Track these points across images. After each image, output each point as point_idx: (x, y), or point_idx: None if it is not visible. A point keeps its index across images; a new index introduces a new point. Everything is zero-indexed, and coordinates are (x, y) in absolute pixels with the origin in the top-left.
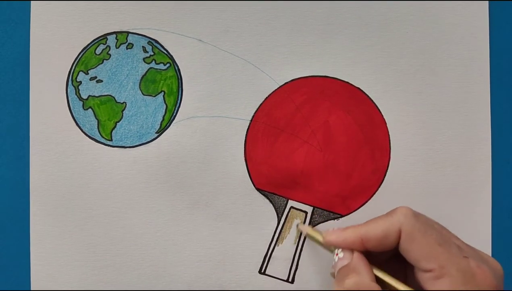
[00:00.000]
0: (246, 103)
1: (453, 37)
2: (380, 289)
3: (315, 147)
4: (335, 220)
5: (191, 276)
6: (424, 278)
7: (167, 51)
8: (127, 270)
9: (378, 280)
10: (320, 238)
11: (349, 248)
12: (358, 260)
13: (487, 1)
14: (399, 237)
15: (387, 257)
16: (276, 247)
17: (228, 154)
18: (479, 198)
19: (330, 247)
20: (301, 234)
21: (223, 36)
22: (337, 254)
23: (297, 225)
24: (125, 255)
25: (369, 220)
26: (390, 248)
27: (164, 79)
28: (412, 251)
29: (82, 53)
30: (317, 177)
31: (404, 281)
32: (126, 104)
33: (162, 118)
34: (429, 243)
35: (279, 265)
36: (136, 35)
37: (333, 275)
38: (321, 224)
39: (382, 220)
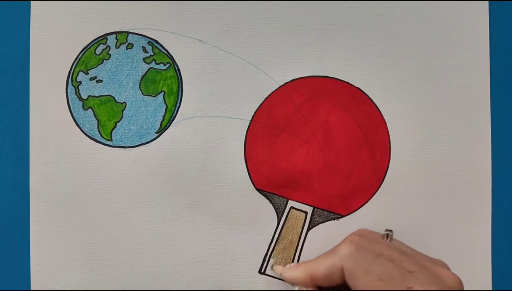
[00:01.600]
0: (246, 103)
1: (453, 37)
2: None
3: (315, 147)
4: (335, 220)
5: (191, 276)
6: None
7: (167, 51)
8: (127, 270)
9: None
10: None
11: (303, 285)
12: None
13: (487, 1)
14: (343, 274)
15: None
16: (276, 248)
17: (228, 154)
18: (479, 198)
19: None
20: (300, 234)
21: (223, 36)
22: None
23: (272, 267)
24: (125, 255)
25: (320, 255)
26: (339, 284)
27: (164, 79)
28: (356, 287)
29: (82, 53)
30: (317, 177)
31: None
32: (126, 104)
33: (162, 118)
34: (370, 279)
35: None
36: (136, 35)
37: None
38: (321, 224)
39: (327, 257)
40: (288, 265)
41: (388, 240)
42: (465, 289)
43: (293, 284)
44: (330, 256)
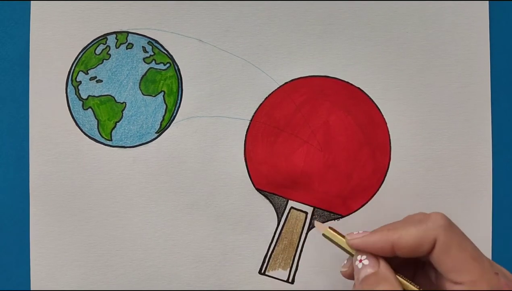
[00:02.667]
0: (246, 103)
1: (453, 37)
2: None
3: (315, 147)
4: (336, 220)
5: (191, 276)
6: (451, 288)
7: (167, 51)
8: (127, 270)
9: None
10: (340, 241)
11: (377, 254)
12: (386, 268)
13: (487, 1)
14: (433, 246)
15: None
16: (276, 248)
17: (228, 154)
18: (479, 198)
19: (351, 250)
20: (300, 234)
21: (223, 36)
22: (360, 260)
23: (314, 221)
24: (125, 255)
25: (396, 223)
26: (420, 256)
27: (164, 79)
28: (445, 262)
29: (82, 53)
30: (317, 177)
31: (417, 282)
32: (126, 104)
33: (162, 118)
34: (465, 256)
35: (279, 265)
36: (136, 35)
37: (345, 275)
38: None
39: (415, 227)
40: (354, 233)
41: None
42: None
43: (364, 252)
44: (419, 226)
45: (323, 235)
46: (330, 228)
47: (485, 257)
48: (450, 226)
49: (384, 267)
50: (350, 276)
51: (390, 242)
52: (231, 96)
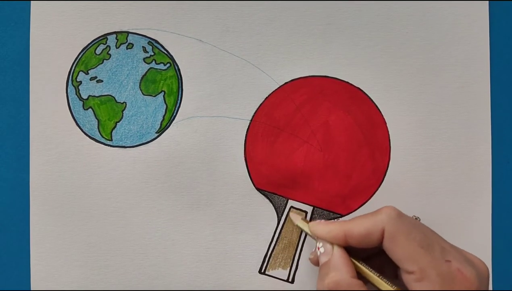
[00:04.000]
0: (246, 103)
1: (453, 37)
2: (361, 283)
3: (315, 147)
4: (335, 220)
5: (191, 276)
6: (406, 278)
7: (167, 51)
8: (127, 270)
9: (362, 276)
10: (306, 228)
11: (332, 242)
12: (338, 257)
13: (487, 1)
14: (382, 237)
15: (378, 251)
16: (276, 247)
17: (228, 154)
18: (479, 198)
19: (314, 237)
20: (300, 234)
21: (223, 36)
22: (318, 248)
23: (290, 213)
24: (125, 255)
25: (356, 216)
26: (373, 246)
27: (164, 79)
28: (394, 251)
29: (82, 53)
30: (317, 176)
31: (395, 275)
32: (126, 104)
33: (162, 118)
34: (411, 245)
35: (279, 265)
36: (136, 35)
37: (313, 262)
38: None
39: (367, 218)
40: (317, 221)
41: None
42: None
43: (321, 239)
44: (370, 217)
45: (297, 225)
46: (302, 218)
47: (438, 245)
48: (398, 217)
49: (336, 256)
50: (317, 263)
51: (343, 230)
52: (231, 96)
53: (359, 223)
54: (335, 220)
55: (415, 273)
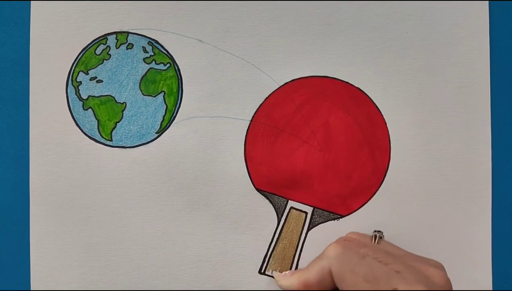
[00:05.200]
0: (246, 103)
1: (453, 37)
2: None
3: (315, 147)
4: (335, 220)
5: (191, 276)
6: None
7: (167, 51)
8: (127, 270)
9: None
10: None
11: None
12: None
13: (487, 1)
14: (332, 277)
15: None
16: (276, 248)
17: (228, 154)
18: (479, 198)
19: None
20: (300, 234)
21: (223, 36)
22: None
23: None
24: (125, 255)
25: (311, 262)
26: (333, 287)
27: (164, 79)
28: (344, 288)
29: (82, 53)
30: (317, 177)
31: None
32: (126, 105)
33: (162, 119)
34: (357, 280)
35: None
36: (136, 35)
37: None
38: (321, 225)
39: (317, 262)
40: (283, 273)
41: (376, 242)
42: (465, 289)
43: None
44: (319, 260)
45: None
46: (274, 273)
47: (384, 274)
48: (343, 254)
49: None
50: None
51: (302, 281)
52: (231, 96)
53: (311, 269)
54: (295, 270)
55: None
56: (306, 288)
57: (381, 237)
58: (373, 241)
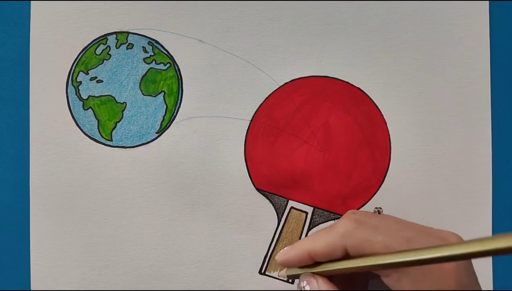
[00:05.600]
0: (246, 103)
1: (453, 37)
2: None
3: (315, 147)
4: (335, 220)
5: (191, 276)
6: (388, 282)
7: (167, 51)
8: (127, 270)
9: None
10: (283, 273)
11: (301, 265)
12: (324, 287)
13: (487, 1)
14: (345, 251)
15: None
16: (276, 248)
17: (228, 154)
18: (479, 198)
19: (293, 277)
20: (301, 234)
21: (223, 36)
22: (303, 287)
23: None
24: (125, 255)
25: (319, 231)
26: (342, 257)
27: (164, 79)
28: (363, 255)
29: (82, 53)
30: (317, 177)
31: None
32: (126, 105)
33: (162, 119)
34: (376, 248)
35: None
36: (136, 35)
37: None
38: (321, 225)
39: (327, 235)
40: (280, 252)
41: (381, 215)
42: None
43: (289, 265)
44: (330, 234)
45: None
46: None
47: (403, 239)
48: (356, 227)
49: (322, 287)
50: None
51: (306, 251)
52: (231, 96)
53: (319, 242)
54: (298, 241)
55: (391, 275)
56: (310, 258)
57: (382, 212)
58: (378, 214)
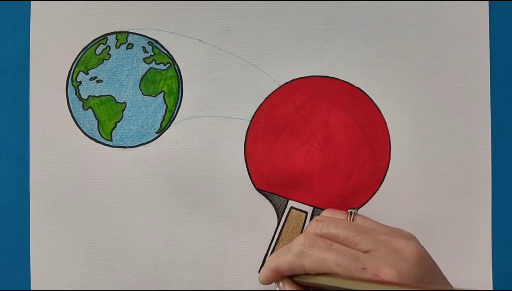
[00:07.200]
0: (246, 103)
1: (453, 37)
2: None
3: (315, 147)
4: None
5: (191, 276)
6: None
7: (167, 51)
8: (127, 270)
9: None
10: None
11: (274, 281)
12: (288, 287)
13: (487, 1)
14: (304, 270)
15: None
16: (276, 248)
17: (228, 154)
18: (479, 198)
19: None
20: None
21: (223, 36)
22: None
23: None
24: (125, 255)
25: (281, 248)
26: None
27: (164, 79)
28: (316, 277)
29: (82, 53)
30: (317, 177)
31: None
32: (126, 104)
33: (162, 119)
34: (328, 266)
35: None
36: (136, 35)
37: None
38: None
39: (286, 254)
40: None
41: (351, 219)
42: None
43: (268, 283)
44: (287, 253)
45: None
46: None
47: (352, 256)
48: (309, 250)
49: (287, 287)
50: None
51: (273, 269)
52: (231, 96)
53: (281, 260)
54: (268, 258)
55: None
56: (279, 275)
57: (355, 214)
58: (348, 219)
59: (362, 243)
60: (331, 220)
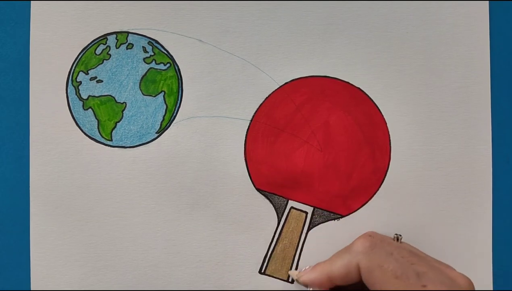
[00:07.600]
0: (246, 103)
1: (453, 37)
2: None
3: (315, 147)
4: (336, 220)
5: (191, 276)
6: None
7: (167, 51)
8: (127, 270)
9: None
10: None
11: (321, 288)
12: None
13: (487, 1)
14: (359, 271)
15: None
16: (276, 248)
17: (228, 154)
18: (479, 198)
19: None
20: (300, 234)
21: (223, 36)
22: None
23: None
24: (125, 255)
25: (335, 254)
26: (356, 282)
27: (164, 79)
28: (372, 284)
29: (82, 53)
30: (317, 177)
31: None
32: (126, 105)
33: (162, 119)
34: (386, 276)
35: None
36: (136, 35)
37: None
38: (321, 224)
39: (342, 256)
40: (303, 269)
41: (398, 242)
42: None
43: (310, 286)
44: (345, 254)
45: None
46: (290, 272)
47: (413, 272)
48: (370, 248)
49: None
50: None
51: (325, 274)
52: (231, 96)
53: (336, 263)
54: (315, 265)
55: None
56: (329, 281)
57: (401, 239)
58: (395, 241)
59: (418, 264)
60: (384, 236)
